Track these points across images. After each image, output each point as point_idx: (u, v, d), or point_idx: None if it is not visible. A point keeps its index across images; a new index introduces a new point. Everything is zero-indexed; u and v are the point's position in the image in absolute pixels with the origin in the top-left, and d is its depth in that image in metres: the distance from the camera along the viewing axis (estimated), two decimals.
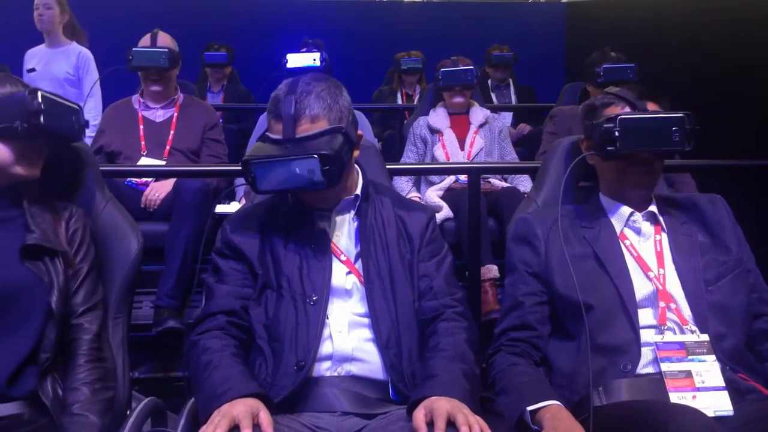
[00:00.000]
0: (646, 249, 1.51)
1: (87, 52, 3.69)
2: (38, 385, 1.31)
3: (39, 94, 1.35)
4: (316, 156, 1.31)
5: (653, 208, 1.56)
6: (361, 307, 1.40)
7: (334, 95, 1.40)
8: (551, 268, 1.50)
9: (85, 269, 1.45)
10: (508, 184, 3.08)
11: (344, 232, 1.47)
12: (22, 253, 1.37)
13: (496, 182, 3.08)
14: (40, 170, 1.44)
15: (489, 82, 5.06)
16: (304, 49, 3.80)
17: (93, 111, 3.49)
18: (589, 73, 3.12)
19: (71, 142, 1.54)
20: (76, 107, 1.50)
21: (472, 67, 3.27)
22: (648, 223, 1.55)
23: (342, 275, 1.42)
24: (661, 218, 1.55)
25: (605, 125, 1.47)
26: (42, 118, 1.35)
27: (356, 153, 1.46)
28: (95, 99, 3.59)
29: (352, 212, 1.49)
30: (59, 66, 3.62)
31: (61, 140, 1.50)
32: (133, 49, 2.88)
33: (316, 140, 1.34)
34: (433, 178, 3.13)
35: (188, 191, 2.55)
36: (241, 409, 1.16)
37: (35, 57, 3.70)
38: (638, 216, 1.54)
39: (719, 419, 1.27)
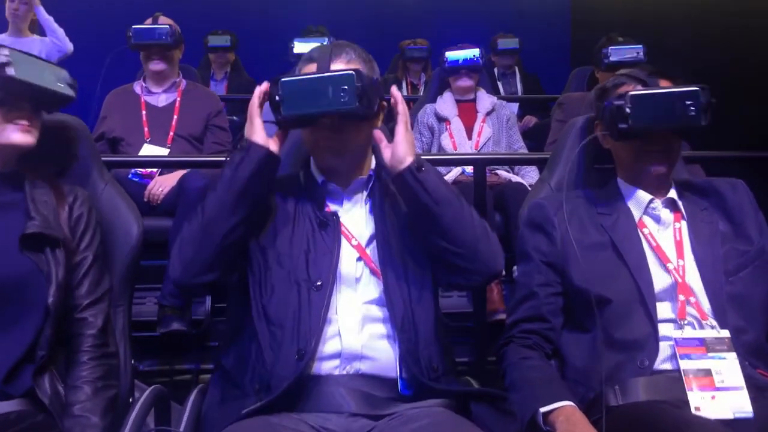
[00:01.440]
0: (665, 238, 1.46)
1: (46, 39, 3.90)
2: (34, 383, 1.27)
3: (5, 48, 1.29)
4: (352, 71, 1.30)
5: (673, 193, 1.50)
6: (373, 293, 1.36)
7: (368, 56, 1.44)
8: (567, 257, 1.45)
9: (90, 258, 1.39)
10: (515, 175, 3.04)
11: (356, 214, 1.43)
12: (22, 243, 1.31)
13: (503, 173, 3.04)
14: (37, 140, 1.37)
15: (495, 70, 5.02)
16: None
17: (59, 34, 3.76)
18: (597, 57, 3.08)
19: (58, 102, 1.42)
20: (60, 68, 1.40)
21: (477, 48, 3.23)
22: (667, 211, 1.49)
23: (352, 261, 1.38)
24: (680, 204, 1.49)
25: (615, 102, 1.41)
26: (12, 70, 1.28)
27: (378, 122, 1.45)
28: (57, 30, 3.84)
29: (365, 193, 1.45)
30: (40, 54, 3.66)
31: (44, 98, 1.38)
32: (133, 27, 2.84)
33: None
34: (439, 168, 3.09)
35: (193, 189, 2.51)
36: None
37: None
38: (658, 203, 1.48)
39: (739, 421, 1.24)
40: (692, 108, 1.39)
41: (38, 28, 3.98)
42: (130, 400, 1.44)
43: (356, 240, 1.39)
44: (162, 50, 2.87)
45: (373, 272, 1.38)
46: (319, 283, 1.32)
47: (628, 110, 1.38)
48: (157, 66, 2.90)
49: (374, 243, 1.40)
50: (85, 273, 1.38)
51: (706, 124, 1.40)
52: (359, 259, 1.39)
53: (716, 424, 1.19)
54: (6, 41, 3.75)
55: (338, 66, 1.38)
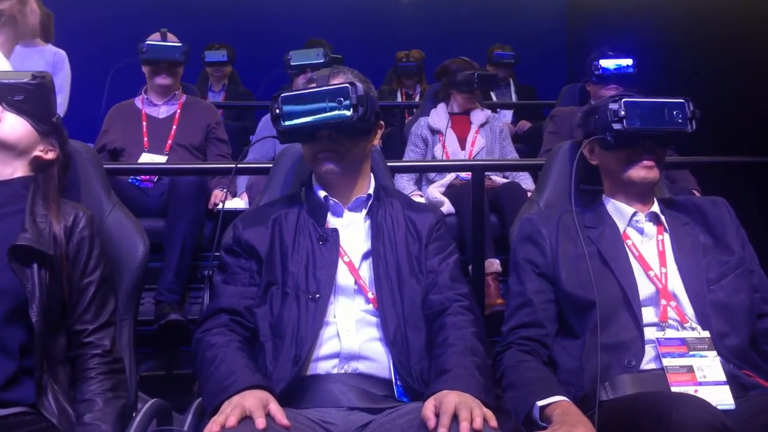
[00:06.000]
0: (648, 249, 1.53)
1: (63, 53, 3.78)
2: (37, 402, 1.28)
3: None
4: (348, 84, 1.38)
5: (656, 208, 1.58)
6: (368, 306, 1.42)
7: (366, 80, 1.49)
8: (557, 266, 1.52)
9: (95, 283, 1.40)
10: (509, 180, 3.10)
11: (354, 231, 1.50)
12: (10, 254, 1.30)
13: (497, 179, 3.09)
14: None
15: None
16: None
17: (61, 106, 3.58)
18: (588, 70, 3.13)
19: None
20: None
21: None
22: (651, 224, 1.57)
23: (348, 274, 1.44)
24: (663, 218, 1.57)
25: (611, 105, 1.52)
26: None
27: (376, 141, 1.52)
28: (63, 95, 3.64)
29: (364, 211, 1.52)
30: (36, 64, 3.67)
31: None
32: (147, 42, 2.92)
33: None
34: (433, 176, 3.13)
35: (183, 185, 2.58)
36: (253, 401, 1.18)
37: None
38: (641, 216, 1.56)
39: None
40: (680, 116, 1.52)
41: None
42: (133, 413, 1.47)
43: (348, 257, 1.45)
44: (171, 66, 2.96)
45: (360, 289, 1.43)
46: (318, 295, 1.38)
47: (622, 113, 1.50)
48: (164, 81, 2.99)
49: (369, 260, 1.46)
50: (90, 299, 1.39)
51: (692, 131, 1.53)
52: (354, 271, 1.44)
53: (698, 398, 1.24)
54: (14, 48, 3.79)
55: (335, 82, 1.45)
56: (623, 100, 1.51)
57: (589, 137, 1.60)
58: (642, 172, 1.53)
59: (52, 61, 3.67)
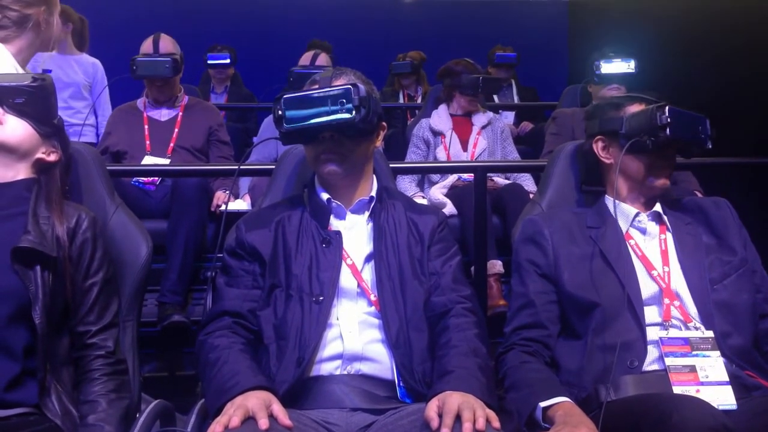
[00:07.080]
0: (650, 248, 1.54)
1: (99, 63, 3.77)
2: (40, 402, 1.29)
3: None
4: (350, 86, 1.39)
5: (658, 208, 1.58)
6: (371, 308, 1.43)
7: (368, 80, 1.50)
8: (559, 267, 1.52)
9: (98, 285, 1.41)
10: (511, 182, 3.10)
11: (357, 234, 1.50)
12: (13, 256, 1.31)
13: (499, 180, 3.10)
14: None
15: None
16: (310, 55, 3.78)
17: (103, 118, 3.61)
18: (590, 71, 3.14)
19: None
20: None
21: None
22: (653, 223, 1.57)
23: (351, 276, 1.44)
24: (665, 218, 1.57)
25: (657, 112, 1.50)
26: None
27: (378, 142, 1.53)
28: (106, 107, 3.70)
29: (366, 213, 1.52)
30: (76, 73, 3.67)
31: None
32: (137, 58, 2.89)
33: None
34: (435, 178, 3.14)
35: (186, 187, 2.59)
36: (255, 401, 1.19)
37: (43, 57, 3.73)
38: (643, 216, 1.56)
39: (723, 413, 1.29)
40: (704, 132, 1.54)
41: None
42: (137, 414, 1.47)
43: (351, 260, 1.46)
44: (164, 79, 2.94)
45: (363, 292, 1.44)
46: (321, 298, 1.39)
47: (668, 120, 1.49)
48: (159, 95, 3.00)
49: (372, 262, 1.46)
50: (94, 300, 1.40)
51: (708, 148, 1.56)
52: (356, 274, 1.45)
53: (701, 400, 1.24)
54: (48, 54, 3.77)
55: (338, 83, 1.45)
56: (668, 107, 1.50)
57: (603, 133, 1.60)
58: (663, 179, 1.55)
59: (92, 71, 3.67)
